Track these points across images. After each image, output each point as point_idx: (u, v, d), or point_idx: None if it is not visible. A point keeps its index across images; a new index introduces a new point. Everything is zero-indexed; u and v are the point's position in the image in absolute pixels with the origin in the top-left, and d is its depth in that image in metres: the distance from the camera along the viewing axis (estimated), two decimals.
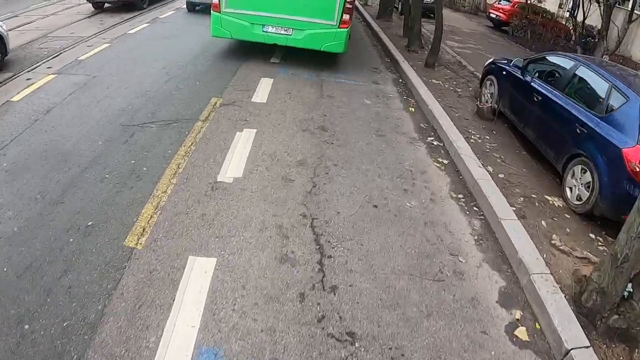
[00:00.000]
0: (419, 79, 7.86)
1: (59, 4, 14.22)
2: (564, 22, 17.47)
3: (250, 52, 8.61)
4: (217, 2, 7.81)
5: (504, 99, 6.35)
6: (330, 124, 5.76)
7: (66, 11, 12.88)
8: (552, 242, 3.99)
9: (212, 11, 8.02)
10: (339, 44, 7.90)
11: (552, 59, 5.79)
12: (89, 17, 11.76)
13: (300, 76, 7.58)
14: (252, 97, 6.35)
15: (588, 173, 4.40)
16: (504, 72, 6.44)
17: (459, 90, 7.84)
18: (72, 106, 5.80)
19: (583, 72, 5.00)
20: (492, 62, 7.05)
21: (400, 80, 8.21)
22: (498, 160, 5.22)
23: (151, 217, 3.76)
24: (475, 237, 3.98)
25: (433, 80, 8.00)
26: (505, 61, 6.68)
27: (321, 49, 7.94)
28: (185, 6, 12.96)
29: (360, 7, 17.99)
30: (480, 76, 7.71)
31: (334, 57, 8.90)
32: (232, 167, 4.46)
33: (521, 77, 5.96)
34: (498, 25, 18.91)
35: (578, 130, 4.61)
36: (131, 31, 9.95)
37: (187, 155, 4.65)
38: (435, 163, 5.13)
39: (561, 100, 5.02)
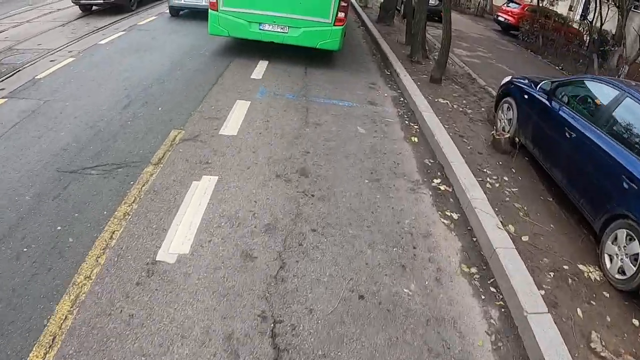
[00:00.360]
0: (423, 99, 6.82)
1: (38, 9, 13.34)
2: (576, 27, 16.24)
3: (229, 66, 7.62)
4: (215, 1, 7.79)
5: (525, 128, 5.29)
6: (313, 164, 4.74)
7: (42, 18, 11.97)
8: (591, 344, 2.97)
9: (209, 10, 8.00)
10: (334, 42, 8.00)
11: (590, 84, 4.68)
12: (63, 25, 10.81)
13: (283, 96, 6.55)
14: (221, 127, 5.34)
15: (636, 242, 3.37)
16: (526, 96, 5.37)
17: (470, 111, 6.80)
18: (11, 143, 4.83)
19: (633, 106, 3.94)
20: (510, 82, 5.97)
21: (402, 99, 7.17)
22: (520, 213, 4.18)
23: (66, 317, 2.79)
24: (493, 339, 2.97)
25: (440, 100, 6.96)
26: (526, 81, 5.61)
27: (317, 47, 8.05)
28: (168, 11, 11.99)
29: (359, 9, 16.90)
30: (495, 96, 6.65)
31: (327, 59, 7.93)
32: (179, 238, 3.45)
33: (548, 103, 4.89)
34: (506, 29, 17.76)
35: (625, 184, 3.56)
36: (102, 41, 8.98)
37: (126, 218, 3.66)
38: (442, 219, 4.09)
39: (603, 141, 3.94)
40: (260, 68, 7.69)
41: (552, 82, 4.97)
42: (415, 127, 6.10)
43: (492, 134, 5.69)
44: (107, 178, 4.19)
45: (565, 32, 14.63)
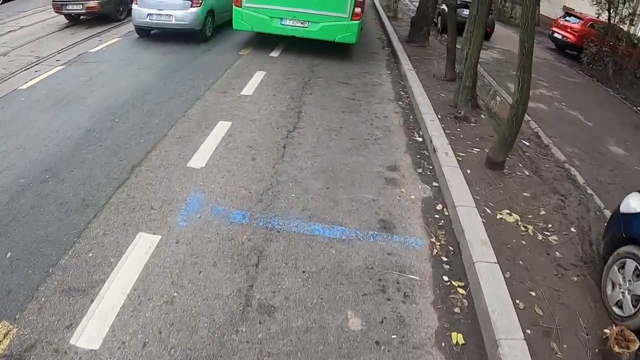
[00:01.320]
0: (476, 215, 3.92)
1: (27, 18, 11.27)
2: None
3: (156, 147, 4.89)
4: None
5: None
6: None
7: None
8: None
9: (233, 6, 8.64)
10: (352, 35, 8.34)
11: None
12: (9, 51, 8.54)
13: (226, 218, 3.77)
14: (96, 300, 2.71)
15: None
16: None
17: (554, 239, 3.82)
18: None
19: None
20: (628, 221, 3.08)
21: (437, 214, 4.16)
22: None
23: None
24: None
25: (504, 216, 4.02)
26: None
27: (335, 40, 8.40)
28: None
29: (384, 18, 13.94)
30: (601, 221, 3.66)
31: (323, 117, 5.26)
32: None
33: None
34: (562, 48, 14.42)
35: None
36: (24, 86, 6.47)
37: None
38: None
39: None
40: (207, 149, 4.89)
41: None
42: (459, 297, 3.26)
43: (607, 336, 2.79)
44: None
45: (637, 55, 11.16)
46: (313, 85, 7.12)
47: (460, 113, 6.12)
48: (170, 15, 9.05)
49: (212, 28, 9.75)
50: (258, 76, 7.26)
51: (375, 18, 15.20)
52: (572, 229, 4.16)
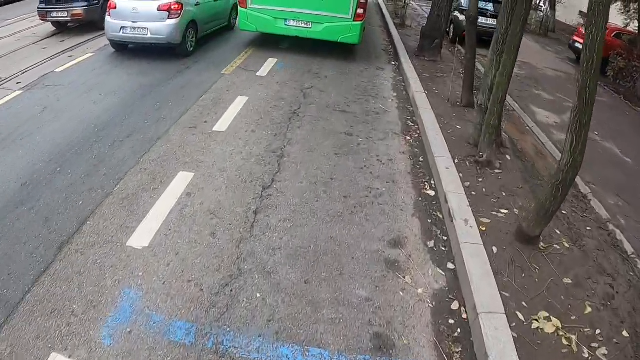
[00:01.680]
0: (506, 329, 2.81)
1: (8, 28, 10.41)
2: None
3: (94, 216, 3.84)
4: None
5: None
6: None
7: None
8: None
9: (239, 7, 8.89)
10: (354, 36, 8.50)
11: None
12: None
13: (167, 334, 2.71)
14: None
15: None
16: None
17: (605, 353, 2.82)
18: None
19: None
20: None
21: (452, 319, 3.03)
22: None
23: None
24: None
25: (540, 320, 2.91)
26: None
27: (338, 41, 8.54)
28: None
29: (391, 26, 12.82)
30: None
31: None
32: None
33: None
34: None
35: None
36: None
37: None
38: None
39: None
40: (156, 217, 3.84)
41: None
42: None
43: None
44: None
45: None
46: (303, 115, 6.06)
47: (482, 157, 5.01)
48: (145, 28, 8.03)
49: (194, 41, 8.74)
50: (238, 103, 6.22)
51: (381, 25, 14.07)
52: (624, 333, 3.08)
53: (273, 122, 5.75)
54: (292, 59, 8.51)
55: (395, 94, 7.37)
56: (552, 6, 18.35)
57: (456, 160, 4.99)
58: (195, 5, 8.78)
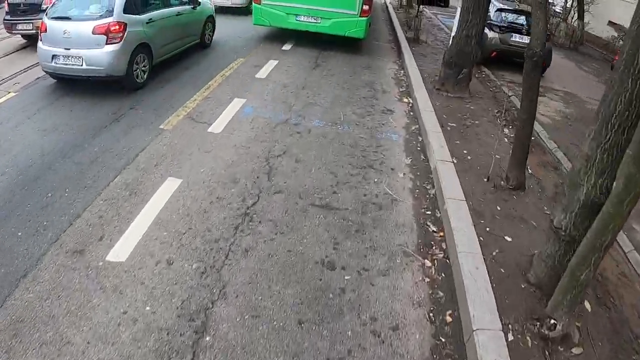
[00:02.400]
0: None
1: None
2: None
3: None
4: None
5: None
6: None
7: None
8: None
9: (253, 3, 9.46)
10: (360, 31, 8.97)
11: None
12: None
13: None
14: None
15: None
16: None
17: None
18: None
19: None
20: None
21: None
22: None
23: None
24: None
25: None
26: None
27: (345, 35, 9.03)
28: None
29: (402, 39, 10.49)
30: None
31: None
32: None
33: None
34: None
35: None
36: None
37: None
38: None
39: None
40: None
41: None
42: None
43: None
44: None
45: None
46: (258, 220, 3.78)
47: (553, 327, 2.68)
48: (79, 57, 6.06)
49: (147, 70, 6.69)
50: (162, 195, 3.98)
51: (390, 39, 11.71)
52: None
53: (205, 241, 3.48)
54: (267, 100, 6.26)
55: (408, 160, 5.03)
56: (581, 15, 16.01)
57: (511, 336, 2.69)
58: (147, 23, 6.66)
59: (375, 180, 4.50)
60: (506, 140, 5.74)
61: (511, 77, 9.60)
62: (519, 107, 7.40)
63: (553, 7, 21.04)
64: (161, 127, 5.27)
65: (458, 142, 5.36)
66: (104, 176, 4.27)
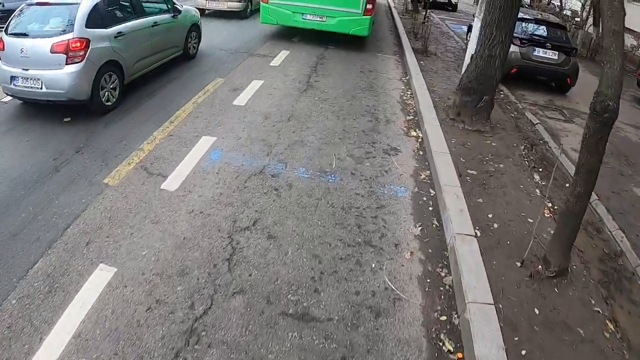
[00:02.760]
0: None
1: None
2: None
3: None
4: None
5: None
6: None
7: None
8: None
9: (261, 2, 9.76)
10: (364, 29, 9.30)
11: None
12: None
13: None
14: None
15: None
16: None
17: None
18: None
19: None
20: None
21: None
22: None
23: None
24: None
25: None
26: None
27: (350, 33, 9.33)
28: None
29: (408, 50, 9.36)
30: None
31: None
32: None
33: None
34: None
35: None
36: None
37: None
38: None
39: None
40: None
41: None
42: None
43: None
44: None
45: None
46: (210, 337, 2.71)
47: None
48: (37, 79, 5.28)
49: (119, 90, 5.92)
50: (91, 291, 2.95)
51: (395, 50, 10.57)
52: None
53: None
54: (242, 139, 5.18)
55: (417, 229, 3.89)
56: (597, 22, 14.84)
57: None
58: (115, 37, 5.80)
59: (373, 266, 3.41)
60: (538, 192, 4.63)
61: (532, 96, 8.47)
62: (545, 137, 6.36)
63: (564, 11, 19.87)
64: (105, 181, 4.21)
65: (480, 200, 4.26)
66: (24, 260, 3.25)
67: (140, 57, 6.39)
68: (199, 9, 12.91)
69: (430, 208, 4.25)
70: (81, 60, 5.25)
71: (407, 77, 8.26)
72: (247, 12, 13.42)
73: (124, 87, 6.05)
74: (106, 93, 5.67)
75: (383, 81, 7.93)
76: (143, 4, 6.73)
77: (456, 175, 4.59)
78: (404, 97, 7.19)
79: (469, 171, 4.78)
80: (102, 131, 5.20)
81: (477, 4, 7.14)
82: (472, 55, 5.99)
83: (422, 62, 9.14)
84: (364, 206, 4.12)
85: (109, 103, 5.71)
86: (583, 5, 17.85)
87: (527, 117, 7.13)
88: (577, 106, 8.40)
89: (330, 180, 4.45)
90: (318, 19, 9.30)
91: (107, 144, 4.89)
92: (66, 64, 5.19)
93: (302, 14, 9.35)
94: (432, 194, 4.46)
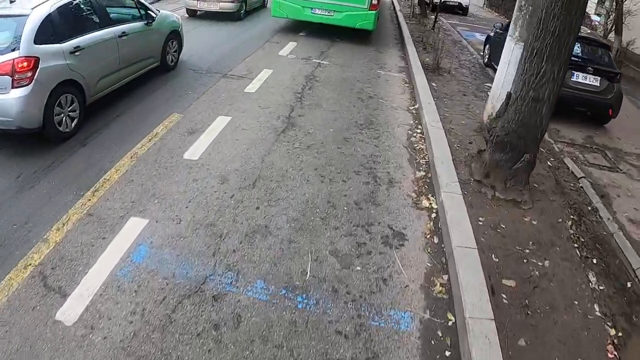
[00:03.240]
0: None
1: None
2: None
3: None
4: None
5: None
6: None
7: None
8: None
9: None
10: (369, 23, 9.93)
11: None
12: None
13: None
14: None
15: None
16: None
17: None
18: None
19: None
20: None
21: None
22: None
23: None
24: None
25: None
26: None
27: (356, 27, 9.95)
28: None
29: (416, 65, 7.81)
30: None
31: None
32: None
33: None
34: None
35: None
36: None
37: None
38: None
39: None
40: None
41: None
42: None
43: None
44: None
45: None
46: None
47: None
48: None
49: (79, 113, 4.96)
50: None
51: (401, 66, 9.02)
52: None
53: None
54: (182, 224, 3.70)
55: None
56: (619, 31, 13.51)
57: None
58: (72, 53, 4.75)
59: None
60: (597, 309, 3.19)
61: (568, 131, 6.97)
62: (594, 202, 4.86)
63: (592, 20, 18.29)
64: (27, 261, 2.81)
65: (523, 342, 2.81)
66: None
67: (104, 73, 5.36)
68: (190, 10, 11.65)
69: (448, 353, 2.80)
70: (29, 83, 4.25)
71: (417, 106, 6.75)
72: (242, 13, 12.10)
73: (86, 108, 5.05)
74: (63, 118, 4.70)
75: (386, 113, 6.43)
76: (109, 12, 5.61)
77: (487, 291, 3.13)
78: (413, 139, 5.69)
79: (505, 282, 3.32)
80: (7, 203, 3.75)
81: (514, 24, 5.52)
82: (510, 96, 4.47)
83: (433, 84, 7.62)
84: (347, 359, 2.67)
85: (66, 130, 4.77)
86: (608, 12, 16.24)
87: (568, 165, 5.65)
88: (619, 144, 6.90)
89: (300, 306, 2.99)
90: (326, 13, 9.93)
91: (5, 231, 3.43)
92: (12, 88, 4.21)
93: (312, 8, 9.96)
94: (449, 324, 3.01)
